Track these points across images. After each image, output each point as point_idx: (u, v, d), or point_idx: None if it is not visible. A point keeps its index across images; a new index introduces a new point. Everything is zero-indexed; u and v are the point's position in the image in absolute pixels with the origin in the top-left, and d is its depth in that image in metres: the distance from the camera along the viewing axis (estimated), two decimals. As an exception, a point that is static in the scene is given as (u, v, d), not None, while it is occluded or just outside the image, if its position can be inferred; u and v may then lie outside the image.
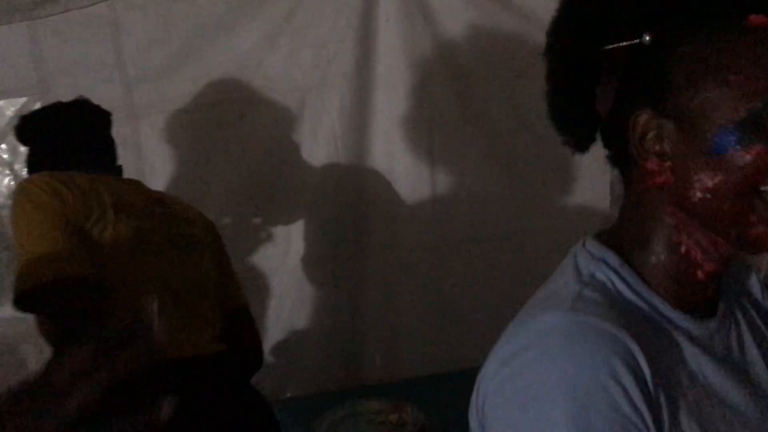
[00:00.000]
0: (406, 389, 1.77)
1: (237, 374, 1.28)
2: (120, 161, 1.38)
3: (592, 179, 1.94)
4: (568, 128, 0.67)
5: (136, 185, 1.32)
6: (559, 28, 0.64)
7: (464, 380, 1.75)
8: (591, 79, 0.62)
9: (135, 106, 1.63)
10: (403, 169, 1.84)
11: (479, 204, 1.89)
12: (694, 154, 0.56)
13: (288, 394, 1.86)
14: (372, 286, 1.87)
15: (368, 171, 1.82)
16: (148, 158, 1.66)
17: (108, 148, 1.36)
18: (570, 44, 0.62)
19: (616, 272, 0.61)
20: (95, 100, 1.35)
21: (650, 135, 0.58)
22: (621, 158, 0.63)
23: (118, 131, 1.40)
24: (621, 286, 0.61)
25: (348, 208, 1.83)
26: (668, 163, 0.58)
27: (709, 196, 0.56)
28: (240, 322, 1.37)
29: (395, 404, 1.64)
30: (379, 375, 1.91)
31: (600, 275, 0.61)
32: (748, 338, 0.66)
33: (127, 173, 1.59)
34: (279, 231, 1.79)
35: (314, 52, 1.72)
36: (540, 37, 1.82)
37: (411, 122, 1.82)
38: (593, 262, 0.62)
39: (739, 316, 0.67)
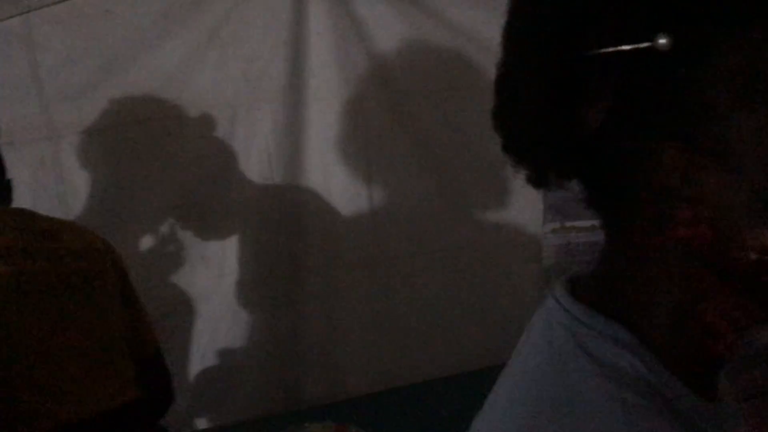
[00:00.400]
0: (349, 409, 1.74)
1: (145, 423, 1.20)
2: (37, 181, 1.27)
3: (525, 193, 1.97)
4: (529, 158, 0.48)
5: (20, 217, 1.13)
6: (524, 23, 0.45)
7: (406, 396, 1.75)
8: (570, 94, 0.43)
9: (54, 126, 1.54)
10: (339, 185, 1.81)
11: (416, 219, 1.89)
12: (745, 203, 0.41)
13: (226, 422, 1.79)
14: (311, 306, 1.83)
15: (303, 188, 1.79)
16: (69, 181, 1.57)
17: None
18: (543, 45, 0.43)
19: (637, 355, 0.45)
20: (11, 121, 1.26)
21: (675, 175, 0.41)
22: (609, 197, 0.48)
23: (36, 153, 1.32)
24: (653, 378, 0.45)
25: (284, 227, 1.79)
26: (706, 213, 0.41)
27: (766, 258, 0.41)
28: (151, 368, 1.24)
29: (338, 426, 1.60)
30: (321, 396, 1.87)
31: (623, 363, 0.45)
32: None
33: (47, 197, 1.51)
34: (212, 252, 1.72)
35: (244, 67, 1.68)
36: (473, 51, 1.86)
37: (346, 137, 1.79)
38: (603, 342, 0.46)
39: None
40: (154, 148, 1.63)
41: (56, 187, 1.55)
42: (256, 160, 1.73)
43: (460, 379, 1.88)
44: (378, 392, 1.85)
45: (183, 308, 1.72)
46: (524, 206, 1.98)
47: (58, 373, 1.04)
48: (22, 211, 1.15)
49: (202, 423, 1.78)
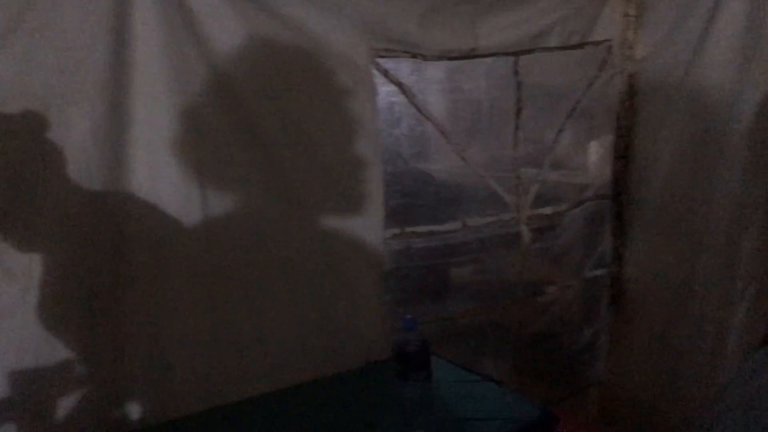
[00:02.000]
0: (181, 428, 1.63)
1: None
2: None
3: (366, 198, 1.96)
4: None
5: None
6: None
7: (244, 411, 1.67)
8: None
9: None
10: (168, 189, 1.68)
11: (253, 226, 1.80)
12: None
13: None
14: (136, 322, 1.68)
15: (128, 192, 1.63)
16: None
17: None
18: None
19: None
20: None
21: None
22: None
23: None
24: None
25: (104, 235, 1.62)
26: None
27: None
28: None
29: (166, 449, 1.48)
30: (150, 416, 1.72)
31: None
32: None
33: None
34: (17, 264, 1.52)
35: (57, 56, 1.50)
36: (313, 51, 1.81)
37: (176, 138, 1.67)
38: None
39: None
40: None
41: None
42: (73, 161, 1.55)
43: (299, 390, 1.82)
44: (211, 409, 1.73)
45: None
46: (365, 212, 1.97)
47: None
48: None
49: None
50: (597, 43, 2.42)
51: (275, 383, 1.84)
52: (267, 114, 1.78)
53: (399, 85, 2.00)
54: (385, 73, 1.97)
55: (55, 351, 1.59)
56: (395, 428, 1.46)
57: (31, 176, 1.52)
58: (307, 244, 1.89)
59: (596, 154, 2.63)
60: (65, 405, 1.61)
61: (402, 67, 2.03)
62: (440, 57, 2.05)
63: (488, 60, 2.21)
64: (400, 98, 2.04)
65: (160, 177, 1.67)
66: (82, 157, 1.57)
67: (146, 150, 1.64)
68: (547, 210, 2.44)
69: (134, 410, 1.71)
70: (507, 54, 2.21)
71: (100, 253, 1.61)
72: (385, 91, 2.00)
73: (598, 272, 2.67)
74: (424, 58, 2.01)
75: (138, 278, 1.67)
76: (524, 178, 2.35)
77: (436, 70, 2.13)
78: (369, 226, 1.99)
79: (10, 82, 1.46)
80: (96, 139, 1.58)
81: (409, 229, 2.12)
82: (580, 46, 2.38)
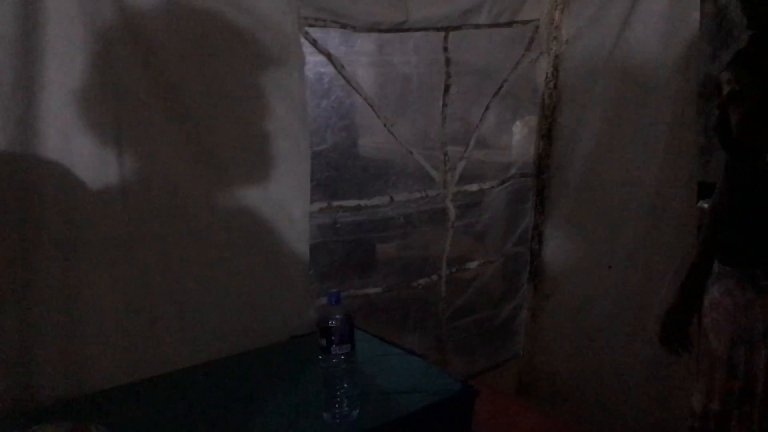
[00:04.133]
0: (92, 406, 1.56)
1: None
2: None
3: (292, 170, 1.92)
4: None
5: None
6: None
7: (159, 388, 1.62)
8: None
9: None
10: (83, 153, 1.59)
11: (173, 193, 1.74)
12: None
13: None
14: (47, 291, 1.59)
15: (38, 156, 1.54)
16: None
17: None
18: None
19: None
20: None
21: None
22: None
23: None
24: None
25: (11, 200, 1.53)
26: None
27: None
28: None
29: (75, 426, 1.41)
30: (58, 393, 1.64)
31: None
32: None
33: None
34: None
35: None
36: (236, 16, 1.75)
37: (92, 100, 1.58)
38: None
39: None
40: None
41: None
42: (-24, 121, 1.46)
43: (219, 365, 1.79)
44: (126, 385, 1.67)
45: None
46: (291, 184, 1.93)
47: None
48: None
49: None
50: (525, 23, 2.45)
51: (194, 358, 1.80)
52: (189, 78, 1.71)
53: (328, 55, 1.97)
54: (314, 43, 1.93)
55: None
56: (316, 402, 1.45)
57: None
58: (230, 214, 1.84)
59: (521, 134, 2.68)
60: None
61: (331, 38, 1.99)
62: (370, 29, 2.02)
63: (418, 34, 2.20)
64: (329, 69, 2.01)
65: (73, 139, 1.58)
66: (-13, 118, 1.47)
67: (58, 111, 1.54)
68: (473, 187, 2.47)
69: (44, 385, 1.63)
70: (437, 29, 2.20)
71: (7, 219, 1.52)
72: (314, 61, 1.96)
73: (519, 249, 2.73)
74: (354, 29, 1.99)
75: (49, 246, 1.58)
76: (451, 155, 2.37)
77: (367, 42, 2.11)
78: (294, 199, 1.95)
79: None
80: (3, 99, 1.48)
81: (335, 203, 2.10)
82: (509, 24, 2.41)
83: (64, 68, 1.53)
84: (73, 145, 1.58)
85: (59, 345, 1.63)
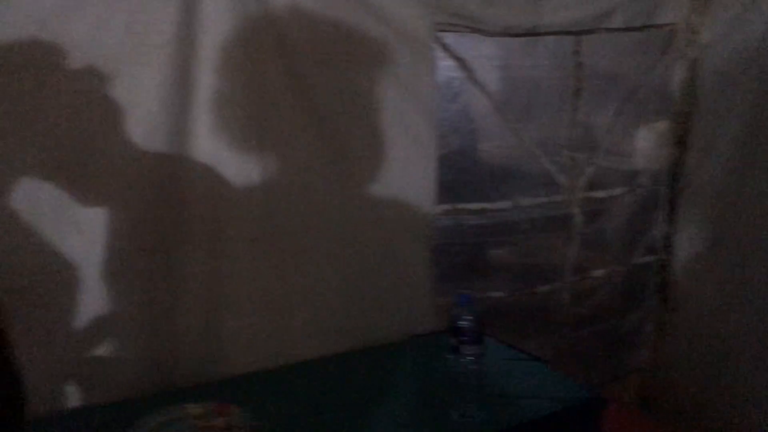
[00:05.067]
0: (230, 389, 1.65)
1: None
2: None
3: (419, 172, 1.96)
4: None
5: None
6: None
7: (291, 376, 1.70)
8: None
9: None
10: (228, 152, 1.70)
11: (307, 193, 1.82)
12: None
13: (95, 401, 1.65)
14: (192, 280, 1.72)
15: (189, 153, 1.66)
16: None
17: None
18: None
19: None
20: None
21: None
22: None
23: None
24: None
25: (165, 196, 1.65)
26: None
27: None
28: None
29: (218, 405, 1.51)
30: (197, 375, 1.76)
31: None
32: None
33: None
34: (84, 218, 1.56)
35: (128, 17, 1.53)
36: (373, 22, 1.80)
37: (239, 103, 1.68)
38: None
39: None
40: (23, 99, 1.45)
41: None
42: (139, 121, 1.59)
43: (343, 359, 1.85)
44: (260, 372, 1.76)
45: (47, 280, 1.55)
46: (417, 186, 1.98)
47: None
48: None
49: (69, 403, 1.62)
50: (660, 27, 2.37)
51: (322, 350, 1.87)
52: (325, 82, 1.78)
53: (459, 60, 1.99)
54: (445, 48, 1.96)
55: (115, 303, 1.64)
56: (443, 399, 1.47)
57: (99, 134, 1.56)
58: (358, 213, 1.90)
59: (650, 140, 2.59)
60: (124, 356, 1.67)
61: (462, 42, 2.01)
62: (502, 33, 2.03)
63: (549, 38, 2.18)
64: (459, 73, 2.03)
65: (221, 139, 1.69)
66: (147, 118, 1.60)
67: (209, 112, 1.66)
68: (601, 193, 2.41)
69: (187, 368, 1.75)
70: (569, 33, 2.17)
71: (161, 212, 1.65)
72: (444, 65, 1.99)
73: (647, 259, 2.63)
74: (486, 33, 2.00)
75: (195, 239, 1.70)
76: (578, 161, 2.33)
77: (495, 47, 2.11)
78: (420, 200, 1.99)
79: (84, 42, 1.49)
80: (161, 100, 1.61)
81: (460, 206, 2.12)
82: (643, 28, 2.33)
83: (215, 72, 1.64)
84: (220, 145, 1.69)
85: (202, 330, 1.75)
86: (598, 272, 2.51)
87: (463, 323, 1.38)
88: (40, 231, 1.53)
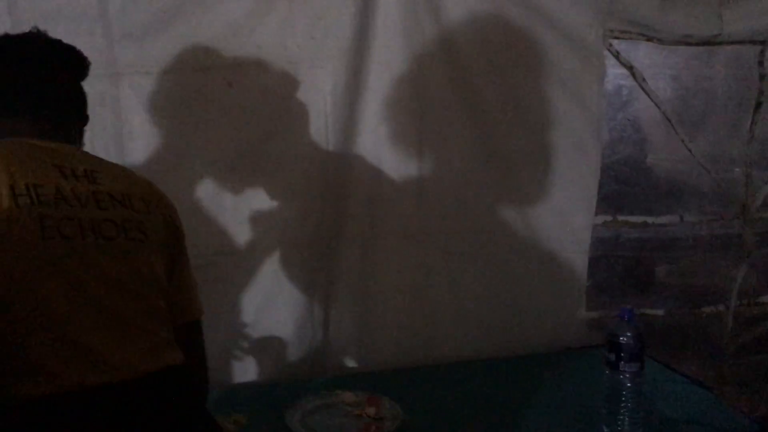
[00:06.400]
0: (374, 381, 1.70)
1: (181, 399, 1.05)
2: (96, 120, 1.23)
3: (580, 182, 1.92)
4: None
5: (68, 153, 1.06)
6: None
7: (437, 375, 1.72)
8: None
9: (117, 64, 1.52)
10: (389, 153, 1.77)
11: (462, 196, 1.84)
12: None
13: (248, 379, 1.78)
14: (348, 274, 1.80)
15: (354, 153, 1.75)
16: (127, 120, 1.55)
17: (66, 95, 1.11)
18: None
19: None
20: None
21: None
22: None
23: (97, 89, 1.29)
24: None
25: (331, 190, 1.75)
26: None
27: None
28: (187, 339, 1.14)
29: (370, 397, 1.58)
30: (348, 365, 1.85)
31: None
32: None
33: (105, 134, 1.50)
34: (259, 207, 1.70)
35: (310, 23, 1.64)
36: (541, 29, 1.79)
37: (402, 105, 1.75)
38: None
39: None
40: (213, 96, 1.60)
41: (114, 124, 1.54)
42: (313, 120, 1.70)
43: (490, 364, 1.85)
44: (407, 368, 1.81)
45: (224, 261, 1.70)
46: (576, 194, 1.93)
47: (88, 330, 0.95)
48: (65, 149, 1.06)
49: (227, 379, 1.76)
50: None
51: (467, 352, 1.89)
52: (490, 88, 1.79)
53: (630, 68, 1.92)
54: (617, 55, 1.90)
55: (279, 290, 1.76)
56: (597, 415, 1.43)
57: (278, 131, 1.68)
58: (511, 218, 1.89)
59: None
60: (281, 340, 1.79)
61: (633, 49, 1.94)
62: (679, 42, 1.93)
63: (729, 47, 2.05)
64: (629, 82, 1.96)
65: (384, 141, 1.76)
66: (321, 118, 1.70)
67: (374, 115, 1.73)
68: (777, 214, 2.23)
69: (336, 356, 1.84)
70: (753, 42, 2.03)
71: (326, 206, 1.75)
72: (614, 73, 1.93)
73: (827, 288, 2.40)
74: (662, 42, 1.91)
75: (353, 233, 1.78)
76: (753, 178, 2.17)
77: (671, 56, 2.02)
78: (578, 210, 1.94)
79: (269, 45, 1.62)
80: (334, 101, 1.70)
81: (621, 218, 2.05)
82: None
83: (383, 76, 1.72)
84: (382, 146, 1.76)
85: (355, 320, 1.83)
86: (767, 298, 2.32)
87: (623, 338, 1.34)
88: (220, 218, 1.67)
